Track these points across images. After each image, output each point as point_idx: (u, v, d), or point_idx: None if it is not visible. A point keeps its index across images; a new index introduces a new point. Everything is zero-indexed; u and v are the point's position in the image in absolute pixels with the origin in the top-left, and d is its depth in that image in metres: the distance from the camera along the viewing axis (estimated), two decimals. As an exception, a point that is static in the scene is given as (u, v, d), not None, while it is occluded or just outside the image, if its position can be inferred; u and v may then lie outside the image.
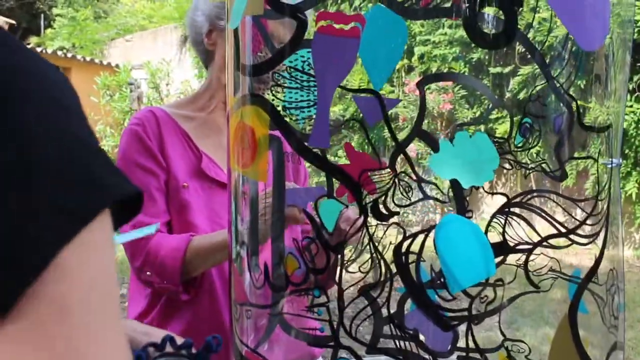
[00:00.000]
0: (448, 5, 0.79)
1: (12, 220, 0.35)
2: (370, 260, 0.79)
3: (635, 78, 6.45)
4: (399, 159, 0.77)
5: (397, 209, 0.76)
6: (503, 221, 0.78)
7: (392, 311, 0.80)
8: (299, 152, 0.81)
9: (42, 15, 19.60)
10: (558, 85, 0.81)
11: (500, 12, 0.73)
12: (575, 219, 0.82)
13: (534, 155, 0.82)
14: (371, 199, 0.75)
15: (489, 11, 0.75)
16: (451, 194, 0.76)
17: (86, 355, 0.37)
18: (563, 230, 0.78)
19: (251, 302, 0.87)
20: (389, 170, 0.76)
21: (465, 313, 0.78)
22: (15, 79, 0.38)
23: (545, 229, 0.79)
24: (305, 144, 0.80)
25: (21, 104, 0.37)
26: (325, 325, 0.80)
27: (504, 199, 0.80)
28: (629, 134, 6.77)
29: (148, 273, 1.40)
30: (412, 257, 0.77)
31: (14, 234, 0.35)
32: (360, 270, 0.81)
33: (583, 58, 0.81)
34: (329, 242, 0.78)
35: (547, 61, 0.80)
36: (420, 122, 0.79)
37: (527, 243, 0.78)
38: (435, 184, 0.75)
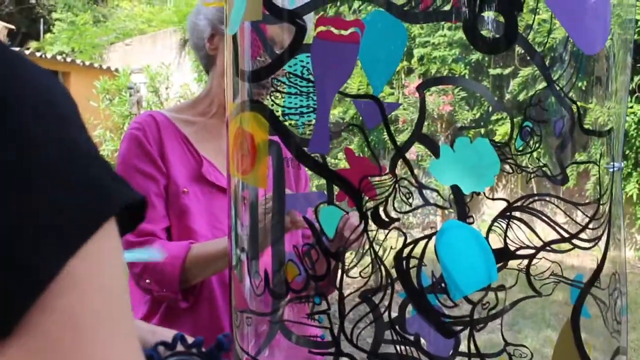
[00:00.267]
0: (447, 8, 0.78)
1: (15, 227, 0.34)
2: (371, 266, 0.78)
3: (636, 79, 6.45)
4: (399, 162, 0.77)
5: (398, 215, 0.75)
6: (504, 225, 0.78)
7: (393, 316, 0.80)
8: (299, 159, 0.81)
9: (42, 20, 19.62)
10: (559, 88, 0.80)
11: (500, 15, 0.73)
12: (577, 223, 0.82)
13: (535, 159, 0.81)
14: (371, 205, 0.75)
15: (489, 15, 0.75)
16: (452, 198, 0.75)
17: None
18: (566, 235, 0.78)
19: (251, 309, 0.86)
20: (389, 175, 0.75)
21: (467, 319, 0.77)
22: (10, 85, 0.38)
23: (546, 232, 0.79)
24: (305, 149, 0.79)
25: (19, 112, 0.37)
26: (326, 333, 0.80)
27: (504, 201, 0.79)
28: (629, 135, 6.77)
29: (147, 281, 1.39)
30: (413, 262, 0.77)
31: (19, 244, 0.34)
32: (361, 275, 0.80)
33: (583, 60, 0.80)
34: (329, 248, 0.77)
35: (547, 63, 0.79)
36: (420, 125, 0.79)
37: (528, 247, 0.78)
38: (437, 190, 0.75)
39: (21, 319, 0.34)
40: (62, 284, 0.35)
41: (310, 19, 0.82)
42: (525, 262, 0.77)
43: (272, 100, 0.82)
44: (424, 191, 0.77)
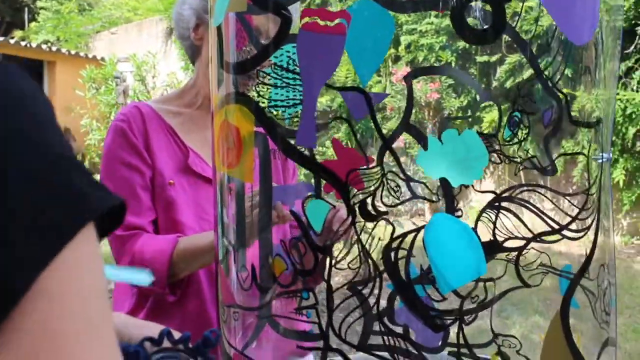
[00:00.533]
0: None
1: None
2: (359, 258, 0.78)
3: (622, 65, 6.47)
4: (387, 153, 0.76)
5: (386, 209, 0.74)
6: (493, 216, 0.77)
7: (381, 308, 0.79)
8: (285, 152, 0.80)
9: (26, 9, 19.42)
10: (547, 78, 0.79)
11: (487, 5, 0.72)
12: (566, 214, 0.82)
13: (524, 149, 0.81)
14: (359, 199, 0.74)
15: (477, 4, 0.74)
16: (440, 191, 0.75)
17: None
18: (556, 226, 0.77)
19: (239, 303, 0.85)
20: (377, 169, 0.74)
21: (456, 312, 0.77)
22: None
23: (535, 221, 0.78)
24: (292, 142, 0.78)
25: None
26: (315, 327, 0.79)
27: (492, 187, 0.79)
28: (615, 122, 6.80)
29: None
30: (401, 253, 0.76)
31: None
32: (349, 267, 0.79)
33: (572, 48, 0.80)
34: (316, 243, 0.76)
35: (535, 51, 0.79)
36: (408, 115, 0.78)
37: (517, 237, 0.77)
38: (425, 183, 0.74)
39: None
40: (36, 296, 0.34)
41: (296, 9, 0.81)
42: (514, 253, 0.76)
43: (258, 93, 0.81)
44: (411, 183, 0.76)
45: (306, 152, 0.79)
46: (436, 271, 0.72)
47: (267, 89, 0.80)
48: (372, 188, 0.74)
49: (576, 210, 0.80)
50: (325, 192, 0.79)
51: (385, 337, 0.80)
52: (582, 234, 0.80)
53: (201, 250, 1.34)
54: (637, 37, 6.65)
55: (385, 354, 0.79)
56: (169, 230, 1.44)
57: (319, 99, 0.78)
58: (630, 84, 6.91)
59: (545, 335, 0.79)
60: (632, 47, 6.73)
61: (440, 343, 0.86)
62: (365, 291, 0.79)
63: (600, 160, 0.82)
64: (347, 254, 0.78)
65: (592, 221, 0.81)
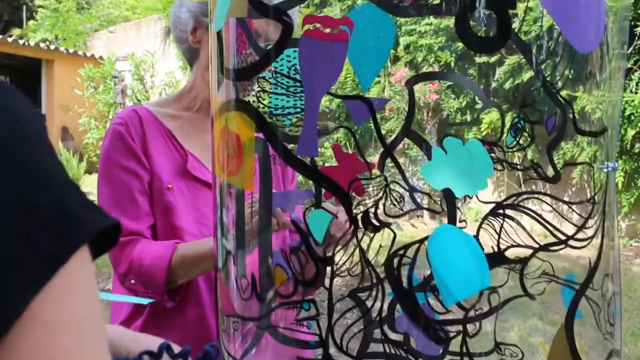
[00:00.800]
0: (437, 1, 0.76)
1: None
2: (359, 266, 0.76)
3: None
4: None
5: (389, 220, 0.73)
6: (495, 224, 0.76)
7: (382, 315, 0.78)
8: (286, 160, 0.79)
9: (24, 7, 19.40)
10: (550, 84, 0.78)
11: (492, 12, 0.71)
12: (569, 221, 0.81)
13: (527, 157, 0.80)
14: (361, 210, 0.73)
15: (481, 12, 0.72)
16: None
17: None
18: (562, 237, 0.76)
19: (238, 313, 0.84)
20: (380, 178, 0.73)
21: (459, 324, 0.75)
22: None
23: (536, 227, 0.77)
24: (292, 150, 0.77)
25: None
26: (315, 339, 0.78)
27: (492, 194, 0.78)
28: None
29: (132, 281, 1.36)
30: (403, 259, 0.75)
31: None
32: (349, 274, 0.78)
33: (576, 53, 0.79)
34: (318, 254, 0.75)
35: (537, 54, 0.78)
36: (409, 121, 0.77)
37: (520, 246, 0.76)
38: (429, 195, 0.73)
39: None
40: (29, 321, 0.34)
41: (295, 12, 0.80)
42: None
43: (258, 100, 0.80)
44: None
45: (306, 159, 0.78)
46: (440, 283, 0.71)
47: (268, 96, 0.79)
48: (375, 198, 0.73)
49: (576, 217, 0.79)
50: (326, 198, 0.78)
51: (385, 345, 0.79)
52: (586, 242, 0.79)
53: (200, 257, 1.32)
54: (636, 37, 6.64)
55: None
56: (167, 235, 1.42)
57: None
58: (629, 86, 6.91)
59: (550, 348, 0.78)
60: (630, 48, 6.73)
61: (441, 352, 0.85)
62: (365, 297, 0.78)
63: (605, 170, 0.81)
64: (347, 260, 0.77)
65: (597, 230, 0.80)
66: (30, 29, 18.13)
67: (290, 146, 0.78)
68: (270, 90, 0.78)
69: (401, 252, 0.73)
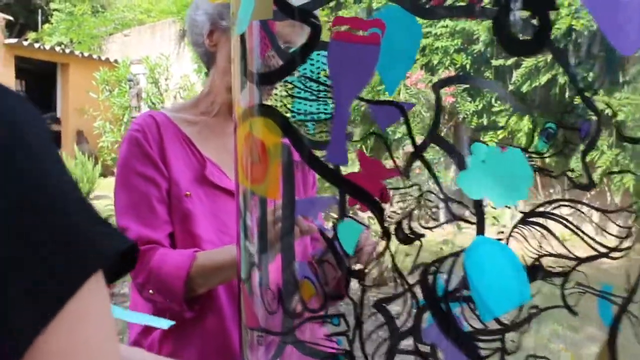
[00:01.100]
0: (464, 3, 0.73)
1: None
2: (392, 281, 0.73)
3: (633, 69, 6.37)
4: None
5: (424, 231, 0.70)
6: (526, 233, 0.73)
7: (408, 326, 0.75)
8: (313, 167, 0.75)
9: (40, 11, 19.52)
10: (585, 89, 0.75)
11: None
12: (606, 232, 0.77)
13: (560, 162, 0.76)
14: (394, 221, 0.69)
15: (519, 14, 0.69)
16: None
17: None
18: (598, 247, 0.72)
19: (263, 326, 0.80)
20: (413, 187, 0.70)
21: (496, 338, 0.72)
22: None
23: (568, 236, 0.74)
24: (322, 158, 0.74)
25: None
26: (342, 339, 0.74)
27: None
28: (626, 126, 6.70)
29: (151, 291, 1.33)
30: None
31: None
32: (378, 284, 0.75)
33: (615, 56, 0.75)
34: (350, 267, 0.72)
35: (576, 58, 0.74)
36: (436, 126, 0.74)
37: (551, 255, 0.72)
38: (467, 206, 0.69)
39: None
40: (41, 349, 0.32)
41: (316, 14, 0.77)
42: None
43: (283, 103, 0.77)
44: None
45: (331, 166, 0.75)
46: (477, 298, 0.68)
47: (293, 100, 0.76)
48: (409, 209, 0.69)
49: (625, 233, 0.75)
50: (350, 205, 0.75)
51: (412, 357, 0.76)
52: (623, 253, 0.75)
53: (220, 266, 1.29)
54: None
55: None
56: (186, 243, 1.39)
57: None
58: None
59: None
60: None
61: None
62: (395, 309, 0.75)
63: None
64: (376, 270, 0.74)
65: (635, 241, 0.76)
66: (45, 32, 18.25)
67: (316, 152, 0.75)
68: (296, 95, 0.75)
69: (436, 265, 0.69)
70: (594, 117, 0.75)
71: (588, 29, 0.76)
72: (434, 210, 0.69)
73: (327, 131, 0.76)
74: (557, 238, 0.74)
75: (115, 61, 14.45)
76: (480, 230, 0.70)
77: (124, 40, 16.01)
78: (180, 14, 14.24)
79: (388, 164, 0.75)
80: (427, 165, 0.72)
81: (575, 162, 0.75)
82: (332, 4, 0.78)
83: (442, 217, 0.72)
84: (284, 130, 0.75)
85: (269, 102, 0.79)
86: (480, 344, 0.71)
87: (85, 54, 15.27)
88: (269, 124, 0.77)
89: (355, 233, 0.72)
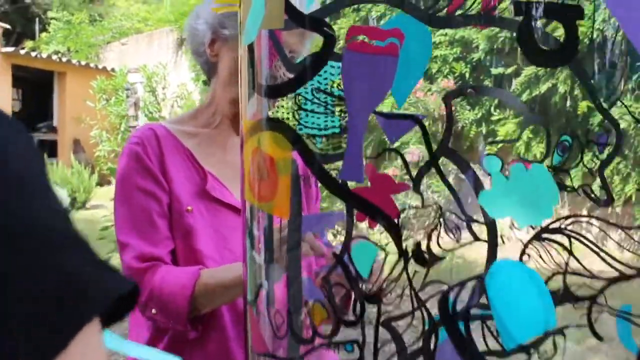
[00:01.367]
0: (475, 11, 0.69)
1: None
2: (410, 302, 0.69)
3: (635, 76, 6.38)
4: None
5: (444, 253, 0.66)
6: (540, 250, 0.69)
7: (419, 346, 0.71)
8: (323, 182, 0.72)
9: (37, 19, 19.51)
10: (604, 100, 0.72)
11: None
12: (626, 249, 0.74)
13: (575, 176, 0.73)
14: (413, 243, 0.66)
15: (541, 23, 0.65)
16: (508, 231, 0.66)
17: None
18: (630, 271, 0.68)
19: (272, 352, 0.76)
20: (433, 207, 0.66)
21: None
22: None
23: (584, 254, 0.70)
24: (334, 175, 0.70)
25: None
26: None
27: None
28: (628, 134, 6.70)
29: (153, 311, 1.29)
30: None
31: None
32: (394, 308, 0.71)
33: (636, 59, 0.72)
34: (366, 292, 0.68)
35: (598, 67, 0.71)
36: (447, 138, 0.70)
37: (567, 272, 0.69)
38: (486, 224, 0.65)
39: None
40: None
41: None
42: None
43: (294, 117, 0.73)
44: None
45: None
46: (499, 324, 0.64)
47: (304, 114, 0.72)
48: (429, 229, 0.65)
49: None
50: (358, 221, 0.71)
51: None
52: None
53: (226, 285, 1.24)
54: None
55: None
56: (187, 259, 1.34)
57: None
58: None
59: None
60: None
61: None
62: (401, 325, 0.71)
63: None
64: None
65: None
66: (42, 41, 18.24)
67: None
68: (308, 109, 0.71)
69: (457, 288, 0.66)
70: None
71: (608, 38, 0.72)
72: (454, 230, 0.65)
73: (336, 144, 0.72)
74: (576, 258, 0.71)
75: (113, 70, 14.42)
76: (493, 250, 0.67)
77: (121, 49, 16.00)
78: (178, 23, 14.24)
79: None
80: (445, 179, 0.69)
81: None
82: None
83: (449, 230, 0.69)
84: (294, 144, 0.72)
85: (276, 114, 0.75)
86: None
87: (83, 63, 15.26)
88: (278, 138, 0.73)
89: (370, 255, 0.68)
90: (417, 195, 0.71)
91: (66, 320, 0.30)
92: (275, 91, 0.73)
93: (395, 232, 0.66)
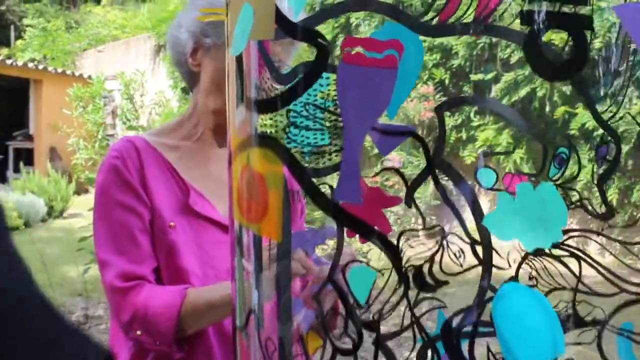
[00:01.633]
0: (469, 20, 0.66)
1: None
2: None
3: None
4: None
5: (446, 278, 0.62)
6: (537, 265, 0.66)
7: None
8: (314, 200, 0.68)
9: (12, 26, 19.31)
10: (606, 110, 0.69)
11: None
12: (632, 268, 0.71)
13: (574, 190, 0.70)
14: (413, 267, 0.62)
15: (551, 36, 0.62)
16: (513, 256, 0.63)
17: None
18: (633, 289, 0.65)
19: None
20: (436, 229, 0.63)
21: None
22: None
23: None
24: (327, 195, 0.66)
25: None
26: None
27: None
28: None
29: (138, 332, 1.24)
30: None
31: None
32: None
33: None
34: (364, 321, 0.64)
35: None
36: (440, 152, 0.67)
37: (564, 288, 0.65)
38: (496, 250, 0.61)
39: None
40: None
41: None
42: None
43: (285, 133, 0.69)
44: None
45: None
46: (505, 350, 0.60)
47: (297, 131, 0.68)
48: (431, 253, 0.62)
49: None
50: (349, 237, 0.68)
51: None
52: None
53: (213, 305, 1.20)
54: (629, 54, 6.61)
55: None
56: (171, 277, 1.30)
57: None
58: (622, 101, 6.88)
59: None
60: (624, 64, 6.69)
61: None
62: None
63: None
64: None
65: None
66: (18, 48, 18.08)
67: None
68: (301, 125, 0.67)
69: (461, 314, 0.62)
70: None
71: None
72: (458, 254, 0.62)
73: (326, 159, 0.69)
74: (572, 272, 0.68)
75: (89, 77, 14.32)
76: (488, 270, 0.63)
77: (97, 56, 15.89)
78: (155, 30, 14.16)
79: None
80: (446, 197, 0.65)
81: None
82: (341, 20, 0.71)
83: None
84: (288, 164, 0.68)
85: (264, 128, 0.71)
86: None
87: (59, 70, 15.14)
88: (269, 155, 0.69)
89: (368, 280, 0.64)
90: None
91: None
92: (267, 106, 0.69)
93: (395, 254, 0.62)
